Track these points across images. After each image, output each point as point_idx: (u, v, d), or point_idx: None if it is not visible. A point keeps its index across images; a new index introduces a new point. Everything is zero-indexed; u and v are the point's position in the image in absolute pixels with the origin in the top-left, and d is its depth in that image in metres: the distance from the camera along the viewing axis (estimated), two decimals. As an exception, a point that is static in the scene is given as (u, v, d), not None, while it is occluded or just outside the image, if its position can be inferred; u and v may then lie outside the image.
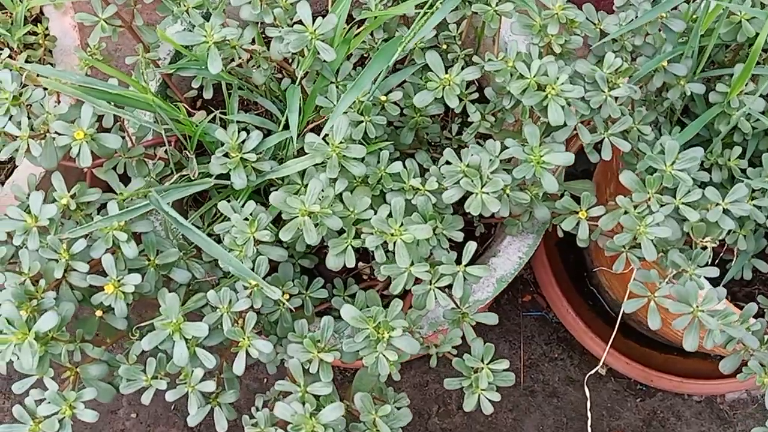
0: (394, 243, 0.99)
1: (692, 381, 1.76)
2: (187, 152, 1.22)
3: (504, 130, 1.19)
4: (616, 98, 1.03)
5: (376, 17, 1.22)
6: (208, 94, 1.26)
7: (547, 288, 1.84)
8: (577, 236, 1.12)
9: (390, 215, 1.01)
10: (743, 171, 1.18)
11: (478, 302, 1.25)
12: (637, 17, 1.06)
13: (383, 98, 1.15)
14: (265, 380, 1.82)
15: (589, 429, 1.34)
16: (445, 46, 1.36)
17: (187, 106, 1.32)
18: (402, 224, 1.00)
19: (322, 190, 1.00)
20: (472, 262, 1.07)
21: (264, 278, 1.05)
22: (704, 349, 1.14)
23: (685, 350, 1.06)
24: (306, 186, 1.12)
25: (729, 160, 1.19)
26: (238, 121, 1.20)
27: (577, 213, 1.11)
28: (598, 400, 1.84)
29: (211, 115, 1.18)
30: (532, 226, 1.23)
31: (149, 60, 1.26)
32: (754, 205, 1.14)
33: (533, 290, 1.93)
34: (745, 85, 1.15)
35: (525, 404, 1.83)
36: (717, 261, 1.30)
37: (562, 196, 1.15)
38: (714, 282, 1.29)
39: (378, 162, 1.12)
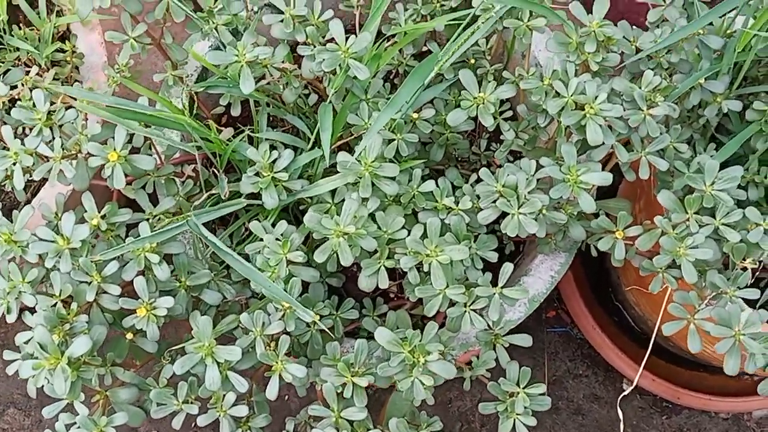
0: (430, 264, 0.98)
1: (720, 398, 1.73)
2: (215, 170, 1.21)
3: (537, 147, 1.17)
4: (655, 117, 1.01)
5: (406, 33, 1.21)
6: (235, 112, 1.25)
7: (572, 303, 1.82)
8: (613, 256, 1.10)
9: (425, 235, 1.00)
10: (781, 189, 1.16)
11: (510, 323, 1.23)
12: (673, 33, 1.04)
13: (415, 115, 1.14)
14: (286, 397, 1.80)
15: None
16: (473, 61, 1.35)
17: (214, 123, 1.32)
18: (437, 245, 0.99)
19: (356, 211, 0.99)
20: (495, 281, 1.05)
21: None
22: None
23: (712, 366, 1.03)
24: (337, 205, 1.11)
25: (766, 177, 1.17)
26: (266, 139, 1.19)
27: (614, 233, 1.09)
28: (624, 417, 1.82)
29: (243, 134, 1.16)
30: (564, 245, 1.21)
31: (177, 77, 1.26)
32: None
33: (557, 306, 1.91)
34: (783, 103, 1.13)
35: (549, 422, 1.81)
36: (752, 280, 1.28)
37: (596, 215, 1.13)
38: (749, 302, 1.27)
39: (410, 180, 1.10)
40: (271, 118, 1.40)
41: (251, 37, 1.07)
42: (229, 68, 1.05)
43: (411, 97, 1.00)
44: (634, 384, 1.31)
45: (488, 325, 1.13)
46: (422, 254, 0.98)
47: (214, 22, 1.20)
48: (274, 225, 1.11)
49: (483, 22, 0.91)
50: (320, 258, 0.95)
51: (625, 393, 1.24)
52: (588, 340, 1.82)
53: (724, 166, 1.22)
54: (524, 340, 1.12)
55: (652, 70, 1.06)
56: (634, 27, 1.13)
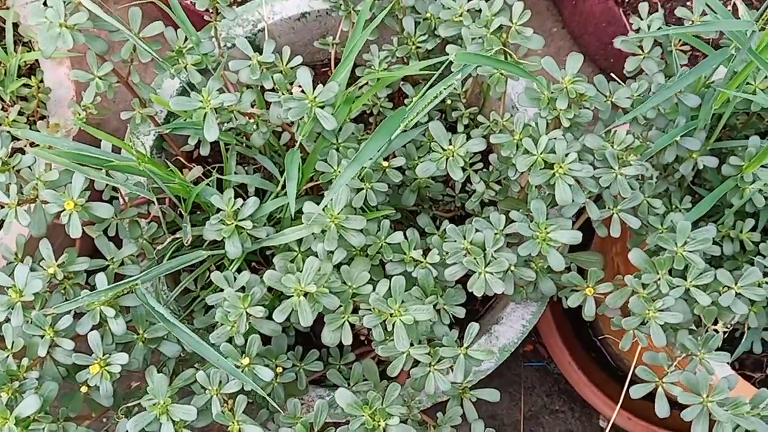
0: (393, 324, 0.95)
1: (696, 437, 1.71)
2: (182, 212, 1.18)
3: (509, 197, 1.15)
4: (626, 176, 0.99)
5: (384, 77, 1.19)
6: (204, 151, 1.22)
7: (549, 339, 1.80)
8: (584, 311, 1.08)
9: (390, 293, 0.98)
10: (756, 244, 1.14)
11: (480, 373, 1.20)
12: (651, 89, 1.02)
13: (385, 164, 1.12)
14: None
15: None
16: (450, 102, 1.33)
17: (183, 159, 1.29)
18: (402, 302, 0.96)
19: (319, 266, 0.96)
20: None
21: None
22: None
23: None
24: (303, 253, 1.09)
25: (741, 232, 1.15)
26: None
27: (584, 289, 1.07)
28: (600, 454, 1.80)
29: (208, 180, 1.14)
30: (536, 296, 1.19)
31: (145, 115, 1.23)
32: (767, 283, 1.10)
33: (535, 340, 1.89)
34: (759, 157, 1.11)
35: (525, 458, 1.79)
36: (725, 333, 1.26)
37: (568, 269, 1.11)
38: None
39: (378, 230, 1.08)
40: (244, 156, 1.37)
41: (217, 82, 1.05)
42: (194, 115, 1.03)
43: (379, 150, 0.98)
44: (610, 423, 1.28)
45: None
46: (386, 313, 0.95)
47: (183, 62, 1.18)
48: (241, 270, 1.09)
49: (453, 80, 0.88)
50: (279, 317, 0.93)
51: None
52: (565, 376, 1.80)
53: (700, 218, 1.21)
54: (492, 395, 1.10)
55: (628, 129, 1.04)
56: (611, 81, 1.11)
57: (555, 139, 0.97)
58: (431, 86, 0.96)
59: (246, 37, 1.35)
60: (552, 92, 1.00)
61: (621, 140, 1.00)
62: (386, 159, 1.13)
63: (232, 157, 1.20)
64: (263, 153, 1.24)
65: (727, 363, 1.24)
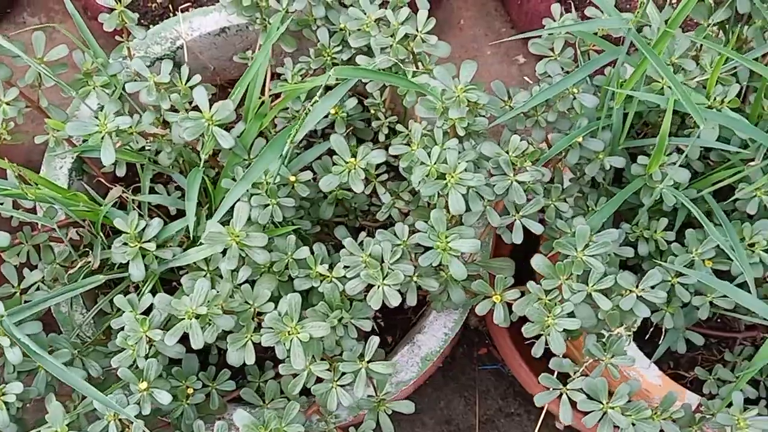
0: (291, 341, 0.95)
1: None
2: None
3: (420, 207, 1.14)
4: (522, 182, 0.99)
5: (292, 90, 1.19)
6: (120, 172, 1.21)
7: (499, 340, 1.79)
8: (493, 318, 1.08)
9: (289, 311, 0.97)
10: (669, 243, 1.13)
11: (402, 384, 1.20)
12: (535, 95, 1.02)
13: (292, 178, 1.11)
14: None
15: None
16: (373, 111, 1.33)
17: (104, 181, 1.29)
18: (300, 319, 0.96)
19: (214, 288, 0.96)
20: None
21: (168, 368, 1.02)
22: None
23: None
24: (212, 272, 1.09)
25: (655, 232, 1.14)
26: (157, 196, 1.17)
27: (491, 297, 1.07)
28: (557, 456, 1.79)
29: (110, 201, 1.13)
30: (452, 304, 1.18)
31: (60, 138, 1.23)
32: (679, 283, 1.09)
33: (489, 342, 1.88)
34: (668, 156, 1.10)
35: (481, 462, 1.78)
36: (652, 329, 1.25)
37: (480, 276, 1.10)
38: (647, 354, 1.24)
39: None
40: (166, 176, 1.37)
41: (114, 105, 1.04)
42: (90, 139, 1.03)
43: (282, 161, 0.97)
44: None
45: (375, 391, 1.11)
46: (283, 332, 0.95)
47: (92, 83, 1.18)
48: (155, 292, 1.09)
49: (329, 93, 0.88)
50: (170, 341, 0.92)
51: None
52: (517, 378, 1.79)
53: (619, 219, 1.20)
54: (407, 407, 1.10)
55: (520, 132, 1.03)
56: (512, 87, 1.10)
57: (447, 149, 0.96)
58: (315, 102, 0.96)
59: (165, 55, 1.35)
60: (445, 101, 0.99)
61: (515, 146, 0.99)
62: (294, 174, 1.12)
63: (146, 177, 1.19)
64: (180, 172, 1.24)
65: (653, 363, 1.24)
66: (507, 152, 0.99)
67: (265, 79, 1.30)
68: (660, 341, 1.23)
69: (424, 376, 1.41)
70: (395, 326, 1.38)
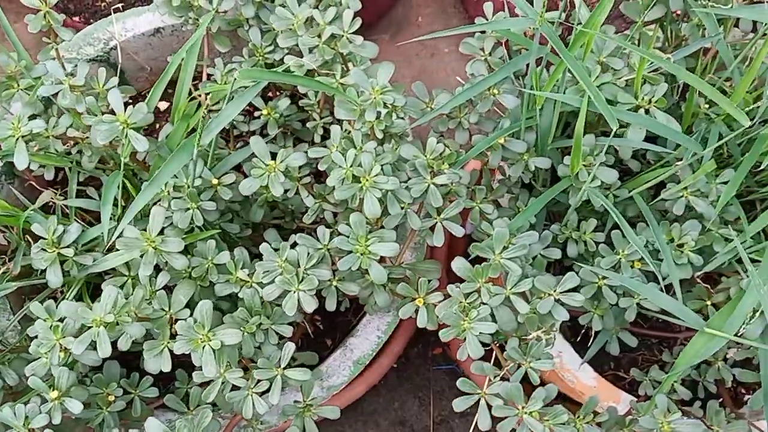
0: (203, 349, 0.94)
1: None
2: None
3: (349, 209, 1.13)
4: (439, 185, 0.97)
5: (217, 91, 1.17)
6: (49, 176, 1.20)
7: (453, 341, 1.78)
8: (417, 321, 1.06)
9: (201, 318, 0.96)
10: (599, 244, 1.12)
11: (333, 388, 1.19)
12: (456, 95, 1.00)
13: (215, 181, 1.10)
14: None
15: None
16: (309, 112, 1.31)
17: (36, 184, 1.27)
18: (217, 326, 0.95)
19: (125, 296, 0.94)
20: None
21: (91, 375, 1.01)
22: None
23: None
24: (134, 278, 1.07)
25: (585, 233, 1.13)
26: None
27: (415, 300, 1.05)
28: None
29: (39, 204, 1.12)
30: (381, 307, 1.17)
31: (-15, 142, 1.21)
32: (606, 285, 1.08)
33: (445, 342, 1.87)
34: (595, 156, 1.09)
35: (435, 463, 1.77)
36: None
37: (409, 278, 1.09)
38: (581, 354, 1.23)
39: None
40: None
41: (29, 108, 1.03)
42: (4, 144, 1.01)
43: (204, 164, 0.95)
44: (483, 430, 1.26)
45: (302, 396, 1.09)
46: (195, 339, 0.94)
47: (16, 87, 1.16)
48: (79, 298, 1.08)
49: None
50: (78, 349, 0.91)
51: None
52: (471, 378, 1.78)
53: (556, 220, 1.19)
54: (333, 412, 1.08)
55: (439, 134, 1.01)
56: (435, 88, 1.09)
57: (363, 153, 0.95)
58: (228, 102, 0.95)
59: (98, 56, 1.33)
60: (362, 104, 0.98)
61: (432, 149, 0.98)
62: (218, 177, 1.11)
63: (73, 181, 1.18)
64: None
65: (588, 364, 1.23)
66: (425, 155, 0.98)
67: (200, 80, 1.29)
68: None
69: (369, 377, 1.40)
70: (335, 329, 1.37)
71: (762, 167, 1.04)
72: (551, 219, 1.26)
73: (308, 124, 1.29)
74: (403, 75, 2.04)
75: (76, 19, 1.76)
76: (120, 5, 1.45)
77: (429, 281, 1.06)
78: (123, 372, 1.11)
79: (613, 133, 0.90)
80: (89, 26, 1.34)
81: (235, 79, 0.93)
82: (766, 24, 1.03)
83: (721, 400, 1.29)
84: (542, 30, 0.91)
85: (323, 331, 1.37)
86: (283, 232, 1.25)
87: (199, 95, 1.24)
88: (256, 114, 1.26)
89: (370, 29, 1.95)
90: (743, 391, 1.33)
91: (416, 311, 1.05)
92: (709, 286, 1.14)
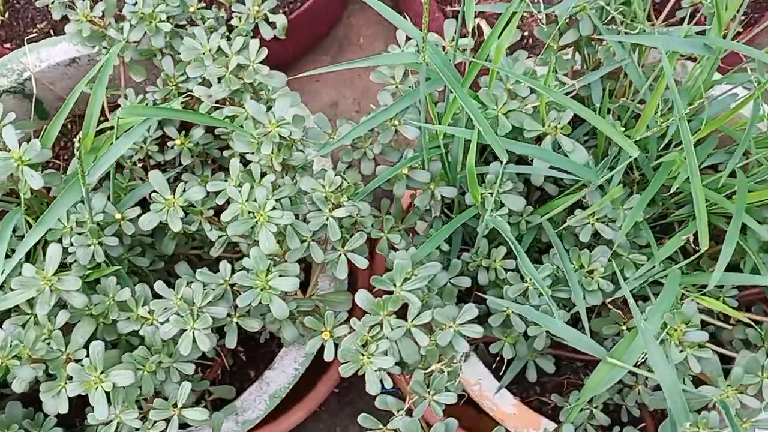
0: (96, 390, 0.92)
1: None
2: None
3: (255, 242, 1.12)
4: (338, 218, 0.96)
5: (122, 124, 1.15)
6: (-45, 211, 1.18)
7: (394, 365, 1.77)
8: (324, 354, 1.05)
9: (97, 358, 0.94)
10: (508, 272, 1.11)
11: (248, 423, 1.17)
12: (360, 124, 0.99)
13: (118, 216, 1.08)
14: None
15: None
16: (227, 140, 1.30)
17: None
18: (108, 369, 0.93)
19: (19, 339, 0.92)
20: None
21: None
22: None
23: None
24: (35, 317, 1.05)
25: (495, 261, 1.12)
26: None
27: (322, 333, 1.04)
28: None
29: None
30: (302, 339, 1.16)
31: None
32: (514, 313, 1.08)
33: (387, 365, 1.85)
34: (502, 184, 1.09)
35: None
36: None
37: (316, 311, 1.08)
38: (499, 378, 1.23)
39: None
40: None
41: None
42: None
43: (107, 198, 0.94)
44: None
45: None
46: (87, 381, 0.92)
47: None
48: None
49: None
50: (-39, 395, 0.89)
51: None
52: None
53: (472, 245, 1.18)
54: (242, 448, 1.07)
55: (346, 165, 1.01)
56: (340, 119, 1.08)
57: (258, 187, 0.94)
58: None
59: (12, 88, 1.32)
60: (259, 137, 0.97)
61: (331, 181, 0.97)
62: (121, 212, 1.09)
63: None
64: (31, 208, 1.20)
65: (505, 389, 1.22)
66: (323, 187, 0.97)
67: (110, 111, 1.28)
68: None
69: (309, 403, 1.37)
70: (257, 360, 1.35)
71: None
72: (471, 245, 1.25)
73: (225, 153, 1.28)
74: (344, 96, 2.03)
75: (8, 45, 1.74)
76: (34, 35, 1.43)
77: (338, 313, 1.04)
78: (30, 412, 1.09)
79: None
80: (3, 57, 1.32)
81: (119, 117, 0.92)
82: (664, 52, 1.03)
83: (643, 425, 1.29)
84: (434, 63, 0.91)
85: (246, 363, 1.35)
86: (203, 263, 1.24)
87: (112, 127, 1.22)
88: (169, 144, 1.25)
89: (311, 50, 1.95)
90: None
91: (323, 345, 1.04)
92: (621, 311, 1.14)
